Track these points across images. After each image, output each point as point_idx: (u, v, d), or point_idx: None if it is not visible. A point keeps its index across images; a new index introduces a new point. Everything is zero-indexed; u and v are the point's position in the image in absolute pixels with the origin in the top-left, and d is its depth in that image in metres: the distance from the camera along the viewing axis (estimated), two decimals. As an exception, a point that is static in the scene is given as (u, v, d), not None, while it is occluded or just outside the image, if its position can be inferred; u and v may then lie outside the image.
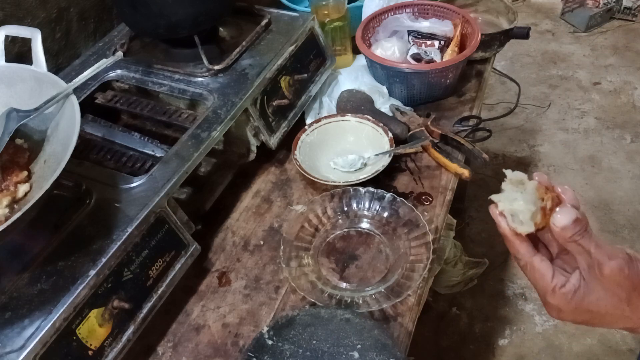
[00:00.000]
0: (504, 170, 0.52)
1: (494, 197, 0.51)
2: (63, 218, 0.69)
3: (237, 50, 0.94)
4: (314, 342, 0.71)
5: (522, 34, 1.17)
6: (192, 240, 0.77)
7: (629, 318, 0.50)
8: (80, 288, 0.62)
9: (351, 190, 0.88)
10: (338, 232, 0.87)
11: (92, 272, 0.63)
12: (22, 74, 0.71)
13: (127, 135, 0.86)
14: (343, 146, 0.99)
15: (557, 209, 0.48)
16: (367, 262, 0.82)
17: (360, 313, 0.72)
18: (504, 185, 0.51)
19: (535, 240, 0.54)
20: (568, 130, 2.34)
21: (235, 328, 0.77)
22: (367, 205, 0.87)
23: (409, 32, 1.12)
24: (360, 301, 0.74)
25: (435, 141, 0.97)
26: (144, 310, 0.70)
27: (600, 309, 0.49)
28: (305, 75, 1.00)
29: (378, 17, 1.14)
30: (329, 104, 1.07)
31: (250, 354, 0.69)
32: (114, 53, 0.96)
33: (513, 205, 0.50)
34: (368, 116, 0.98)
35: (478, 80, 1.15)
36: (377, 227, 0.86)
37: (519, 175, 0.51)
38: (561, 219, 0.47)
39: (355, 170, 0.95)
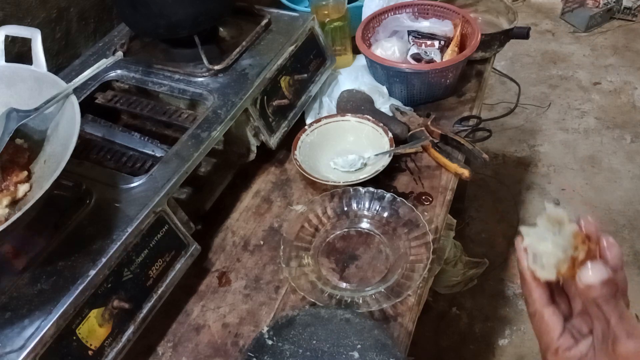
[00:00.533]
0: (546, 203, 0.46)
1: (523, 229, 0.46)
2: (63, 218, 0.69)
3: (237, 50, 0.94)
4: (314, 342, 0.71)
5: (522, 34, 1.17)
6: (192, 240, 0.77)
7: None
8: (80, 288, 0.62)
9: (351, 190, 0.88)
10: (338, 232, 0.87)
11: (92, 272, 0.63)
12: (22, 74, 0.70)
13: (127, 135, 0.86)
14: (343, 146, 0.99)
15: (588, 263, 0.41)
16: (367, 262, 0.82)
17: (360, 313, 0.72)
18: (539, 219, 0.45)
19: (555, 288, 0.48)
20: (568, 130, 2.34)
21: (235, 328, 0.77)
22: (367, 205, 0.87)
23: (409, 32, 1.12)
24: (360, 301, 0.74)
25: (435, 141, 0.97)
26: (144, 310, 0.70)
27: None
28: (305, 75, 1.00)
29: (378, 17, 1.14)
30: (329, 104, 1.07)
31: (250, 354, 0.69)
32: (114, 53, 0.96)
33: (539, 245, 0.44)
34: (368, 116, 0.98)
35: (478, 80, 1.15)
36: (377, 227, 0.86)
37: (559, 213, 0.44)
38: (589, 275, 0.40)
39: (355, 170, 0.95)
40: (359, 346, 0.69)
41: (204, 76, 0.91)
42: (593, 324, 0.43)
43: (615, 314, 0.40)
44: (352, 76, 1.10)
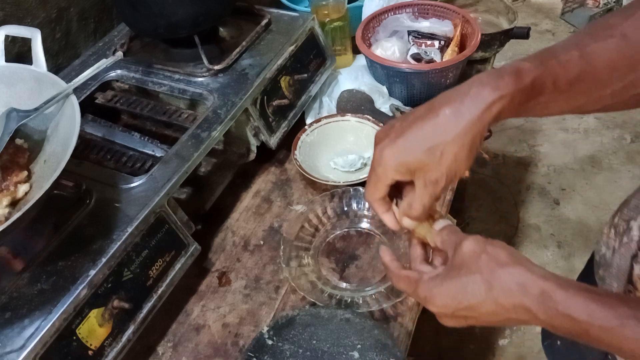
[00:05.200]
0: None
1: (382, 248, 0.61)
2: (63, 218, 0.69)
3: (237, 50, 0.94)
4: (314, 342, 0.71)
5: (522, 34, 1.17)
6: (192, 240, 0.77)
7: (502, 308, 0.46)
8: (80, 288, 0.62)
9: (351, 190, 0.88)
10: (338, 232, 0.87)
11: (92, 272, 0.63)
12: (22, 74, 0.71)
13: (127, 135, 0.86)
14: (343, 146, 0.99)
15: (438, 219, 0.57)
16: (367, 262, 0.82)
17: (360, 313, 0.72)
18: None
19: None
20: (568, 130, 2.34)
21: (235, 328, 0.77)
22: (367, 205, 0.87)
23: (409, 32, 1.12)
24: (360, 301, 0.74)
25: (435, 141, 0.96)
26: (144, 310, 0.70)
27: (470, 298, 0.48)
28: (305, 75, 1.00)
29: (378, 17, 1.14)
30: (329, 104, 1.07)
31: (250, 354, 0.69)
32: (114, 53, 0.96)
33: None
34: (368, 116, 0.98)
35: (478, 80, 1.15)
36: (377, 227, 0.86)
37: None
38: (437, 223, 0.56)
39: (355, 170, 0.95)
40: (359, 346, 0.69)
41: (204, 76, 0.91)
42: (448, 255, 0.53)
43: (458, 235, 0.53)
44: (352, 76, 1.10)
